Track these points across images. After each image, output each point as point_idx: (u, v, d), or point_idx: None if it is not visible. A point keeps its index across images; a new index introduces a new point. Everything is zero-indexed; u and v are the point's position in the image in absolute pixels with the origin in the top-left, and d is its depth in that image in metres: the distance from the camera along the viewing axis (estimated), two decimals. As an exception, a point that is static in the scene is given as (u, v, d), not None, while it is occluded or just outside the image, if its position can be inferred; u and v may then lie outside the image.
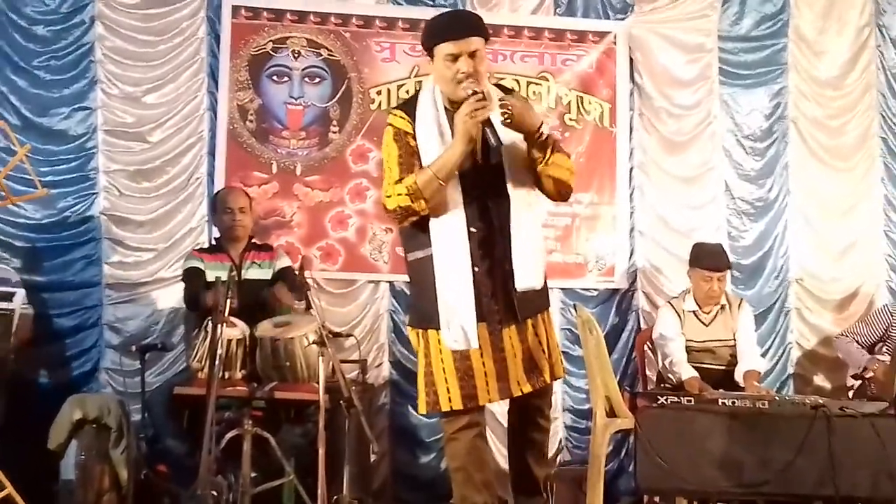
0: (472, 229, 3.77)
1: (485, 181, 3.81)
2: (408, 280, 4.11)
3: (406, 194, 3.65)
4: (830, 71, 6.98)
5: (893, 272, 6.91)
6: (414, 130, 3.79)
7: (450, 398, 3.78)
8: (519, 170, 3.84)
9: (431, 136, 3.77)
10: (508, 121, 3.64)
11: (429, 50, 3.79)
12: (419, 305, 3.91)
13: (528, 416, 4.02)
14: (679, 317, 5.85)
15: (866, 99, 6.98)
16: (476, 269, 3.77)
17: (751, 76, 6.90)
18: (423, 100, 3.86)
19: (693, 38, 6.83)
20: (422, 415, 4.02)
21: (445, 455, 4.05)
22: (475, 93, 3.63)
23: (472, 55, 3.69)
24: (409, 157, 3.74)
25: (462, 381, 3.77)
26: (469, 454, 3.85)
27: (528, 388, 3.86)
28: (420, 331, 3.88)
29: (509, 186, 3.80)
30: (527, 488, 4.09)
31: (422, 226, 3.79)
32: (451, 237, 3.75)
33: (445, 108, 3.81)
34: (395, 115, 3.84)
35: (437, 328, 3.79)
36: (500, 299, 3.82)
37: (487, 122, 3.64)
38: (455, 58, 3.68)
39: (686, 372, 5.57)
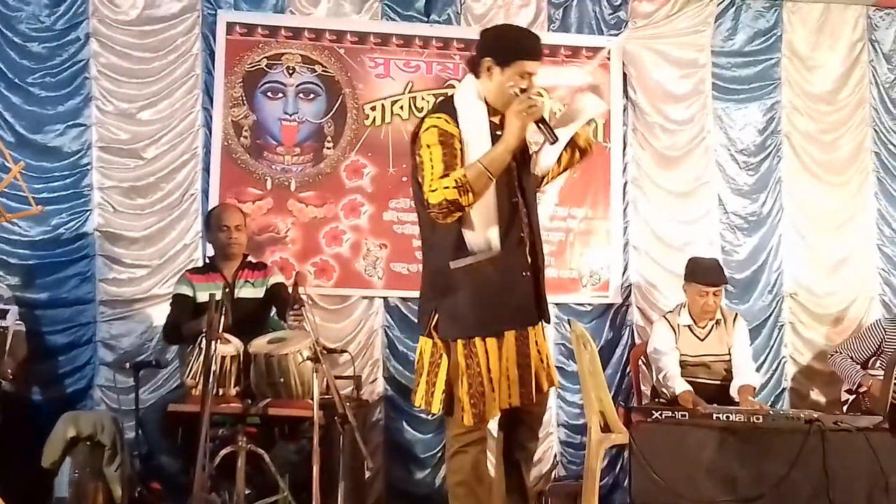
0: (522, 234, 3.80)
1: (521, 184, 3.84)
2: (435, 289, 3.88)
3: (454, 187, 3.57)
4: (823, 86, 7.00)
5: (886, 286, 6.92)
6: (459, 133, 3.74)
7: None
8: (532, 174, 3.93)
9: (481, 135, 3.75)
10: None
11: (500, 58, 3.77)
12: (463, 313, 3.77)
13: (529, 426, 4.02)
14: (674, 331, 5.85)
15: (859, 113, 7.00)
16: (526, 274, 3.80)
17: (744, 91, 6.92)
18: (465, 101, 3.83)
19: (687, 54, 6.85)
20: (434, 413, 3.93)
21: (449, 467, 4.02)
22: (523, 90, 3.68)
23: (531, 75, 3.78)
24: (453, 158, 3.68)
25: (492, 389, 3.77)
26: (474, 469, 3.85)
27: (540, 395, 3.89)
28: (464, 340, 3.76)
29: (532, 190, 3.90)
30: (521, 498, 4.08)
31: (462, 232, 3.75)
32: (504, 242, 3.73)
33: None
34: (439, 117, 3.76)
35: (485, 335, 3.75)
36: (534, 305, 3.85)
37: (541, 120, 3.67)
38: (529, 76, 3.75)
39: (680, 386, 5.56)
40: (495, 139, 3.70)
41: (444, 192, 3.57)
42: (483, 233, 3.72)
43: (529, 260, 3.81)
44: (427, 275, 3.93)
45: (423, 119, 3.81)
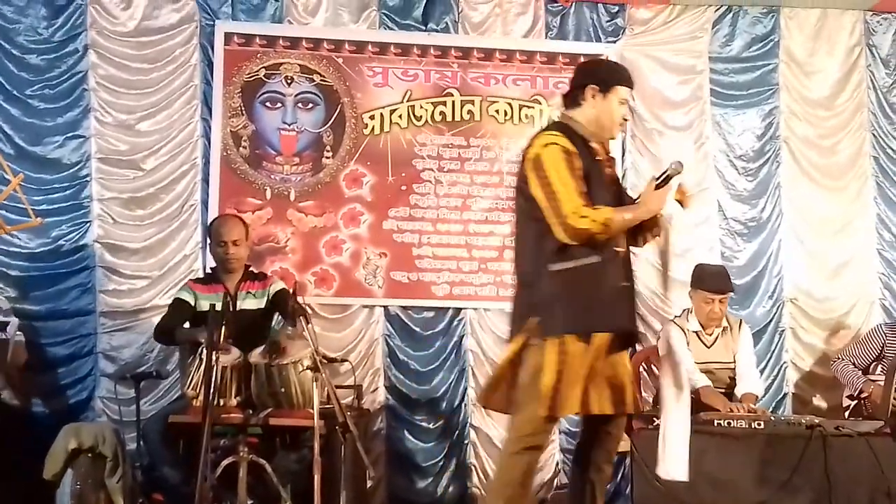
0: (617, 248, 3.96)
1: (620, 202, 4.07)
2: (531, 291, 4.00)
3: (601, 223, 3.81)
4: (821, 91, 7.01)
5: (887, 290, 6.92)
6: (577, 151, 3.94)
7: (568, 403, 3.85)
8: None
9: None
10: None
11: (603, 85, 4.04)
12: (557, 313, 3.88)
13: (607, 448, 4.11)
14: (684, 334, 5.83)
15: (857, 118, 7.01)
16: (623, 285, 3.98)
17: (742, 97, 6.93)
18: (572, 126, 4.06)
19: (684, 60, 6.86)
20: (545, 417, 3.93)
21: (500, 464, 4.13)
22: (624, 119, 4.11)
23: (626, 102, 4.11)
24: (577, 179, 3.89)
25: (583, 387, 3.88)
26: (524, 474, 3.91)
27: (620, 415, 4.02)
28: (556, 338, 3.85)
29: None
30: None
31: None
32: (603, 252, 3.90)
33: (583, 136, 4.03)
34: (556, 135, 3.96)
35: (576, 334, 3.85)
36: (628, 316, 4.05)
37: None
38: (625, 102, 4.07)
39: (701, 380, 5.57)
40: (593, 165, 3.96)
41: (590, 224, 3.79)
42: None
43: (625, 272, 3.99)
44: (522, 278, 4.04)
45: (538, 135, 4.03)
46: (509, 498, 3.89)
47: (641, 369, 6.23)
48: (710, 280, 5.81)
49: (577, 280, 3.86)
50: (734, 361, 5.82)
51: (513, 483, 3.89)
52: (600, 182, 3.97)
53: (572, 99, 4.09)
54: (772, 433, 5.01)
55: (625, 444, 5.07)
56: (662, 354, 5.90)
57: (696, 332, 5.85)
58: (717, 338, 5.85)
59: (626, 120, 4.16)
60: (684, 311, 5.99)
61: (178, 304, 5.43)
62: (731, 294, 5.94)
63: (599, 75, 4.10)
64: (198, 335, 5.03)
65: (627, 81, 4.09)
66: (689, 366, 5.68)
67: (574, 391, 3.82)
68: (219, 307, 4.55)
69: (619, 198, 4.09)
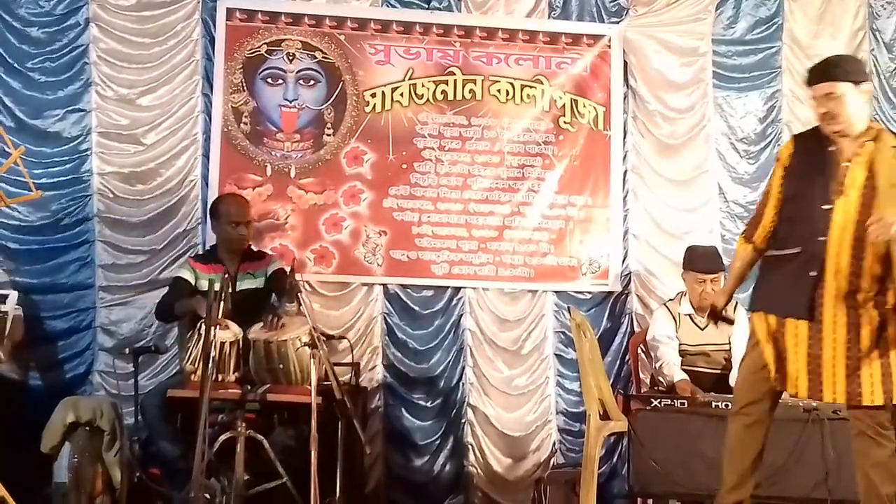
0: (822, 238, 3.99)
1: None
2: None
3: None
4: (824, 75, 6.98)
5: (886, 274, 6.91)
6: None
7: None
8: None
9: None
10: None
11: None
12: (761, 294, 4.22)
13: (865, 433, 4.06)
14: (674, 319, 5.84)
15: (860, 103, 6.98)
16: (812, 274, 4.00)
17: (745, 80, 6.91)
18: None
19: (687, 42, 6.83)
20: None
21: None
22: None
23: (828, 96, 4.03)
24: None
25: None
26: (730, 438, 4.17)
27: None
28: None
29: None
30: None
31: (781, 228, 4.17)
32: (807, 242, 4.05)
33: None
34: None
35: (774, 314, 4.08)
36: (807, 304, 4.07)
37: None
38: (818, 100, 4.06)
39: (677, 375, 5.56)
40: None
41: None
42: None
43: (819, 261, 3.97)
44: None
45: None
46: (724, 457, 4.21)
47: (639, 351, 6.24)
48: (699, 260, 5.82)
49: (776, 266, 4.18)
50: (728, 343, 5.82)
51: (726, 445, 4.21)
52: None
53: None
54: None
55: (621, 425, 5.08)
56: (648, 339, 5.95)
57: (688, 315, 5.85)
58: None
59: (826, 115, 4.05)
60: (678, 294, 5.99)
61: (178, 282, 5.45)
62: (724, 274, 5.94)
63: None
64: (197, 306, 5.04)
65: (813, 79, 4.11)
66: (671, 358, 5.69)
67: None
68: (218, 286, 4.56)
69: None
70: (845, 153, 4.01)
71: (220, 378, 4.58)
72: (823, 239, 3.93)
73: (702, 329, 5.84)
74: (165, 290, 5.60)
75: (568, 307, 6.22)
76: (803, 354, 3.96)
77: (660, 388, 5.78)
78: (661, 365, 5.72)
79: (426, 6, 6.64)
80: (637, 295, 6.65)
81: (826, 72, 4.07)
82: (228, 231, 5.46)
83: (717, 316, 4.57)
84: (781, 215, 4.16)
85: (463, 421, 6.47)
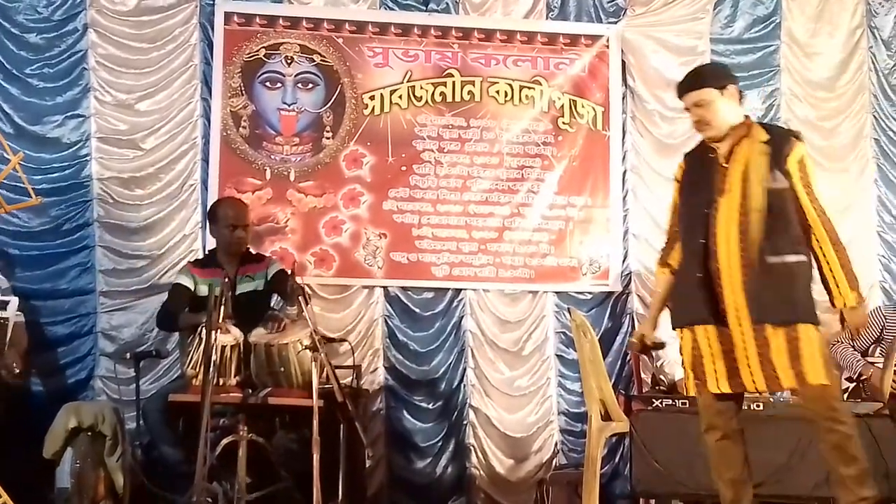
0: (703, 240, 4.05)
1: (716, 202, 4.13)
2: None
3: None
4: (823, 73, 7.00)
5: (887, 273, 6.92)
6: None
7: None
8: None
9: None
10: None
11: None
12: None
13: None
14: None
15: (859, 100, 7.00)
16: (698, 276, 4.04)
17: (743, 78, 6.86)
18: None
19: (685, 41, 6.84)
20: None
21: None
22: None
23: (697, 104, 4.17)
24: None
25: None
26: (713, 454, 4.13)
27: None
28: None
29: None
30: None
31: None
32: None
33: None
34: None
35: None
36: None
37: None
38: (688, 109, 4.22)
39: (678, 373, 5.56)
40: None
41: None
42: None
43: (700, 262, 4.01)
44: None
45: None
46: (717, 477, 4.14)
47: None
48: None
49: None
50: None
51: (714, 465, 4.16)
52: None
53: None
54: (771, 415, 5.02)
55: (623, 425, 5.09)
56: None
57: None
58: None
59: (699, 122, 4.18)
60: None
61: (178, 289, 5.43)
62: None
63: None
64: (200, 320, 5.03)
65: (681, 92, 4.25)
66: (671, 359, 5.69)
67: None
68: (217, 291, 4.55)
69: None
70: (723, 155, 4.09)
71: (221, 382, 4.57)
72: (703, 241, 3.97)
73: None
74: (166, 294, 5.59)
75: (568, 308, 6.23)
76: (718, 352, 3.99)
77: (661, 387, 5.78)
78: (662, 364, 5.72)
79: (424, 8, 6.65)
80: (637, 295, 6.65)
81: (691, 82, 4.23)
82: (227, 235, 5.45)
83: (645, 349, 4.45)
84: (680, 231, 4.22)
85: (464, 422, 6.47)
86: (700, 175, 4.13)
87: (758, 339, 3.92)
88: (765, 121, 6.82)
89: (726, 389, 4.01)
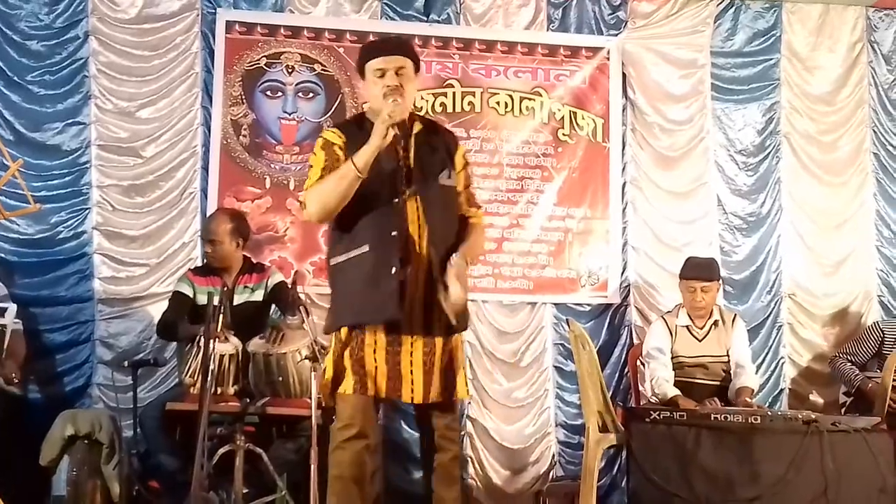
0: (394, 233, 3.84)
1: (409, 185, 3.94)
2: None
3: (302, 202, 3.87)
4: (823, 86, 7.01)
5: (885, 287, 6.93)
6: (344, 144, 3.88)
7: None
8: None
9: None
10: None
11: (360, 71, 3.97)
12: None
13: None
14: (670, 332, 5.83)
15: (858, 114, 7.02)
16: (394, 270, 3.83)
17: (743, 91, 6.93)
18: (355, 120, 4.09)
19: (686, 54, 6.86)
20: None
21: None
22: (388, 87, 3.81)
23: (397, 72, 3.86)
24: (335, 163, 3.84)
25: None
26: (352, 465, 3.97)
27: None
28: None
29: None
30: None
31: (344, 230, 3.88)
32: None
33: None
34: (329, 130, 4.03)
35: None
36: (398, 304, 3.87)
37: None
38: (383, 73, 3.86)
39: (670, 391, 5.55)
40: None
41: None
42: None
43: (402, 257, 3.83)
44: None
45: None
46: (344, 489, 4.00)
47: (638, 363, 6.24)
48: (690, 268, 5.84)
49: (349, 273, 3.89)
50: (727, 355, 5.81)
51: (343, 476, 3.99)
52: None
53: None
54: (768, 428, 5.01)
55: (620, 437, 5.09)
56: (642, 353, 5.95)
57: (685, 327, 5.85)
58: (708, 331, 5.84)
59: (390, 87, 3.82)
60: (676, 306, 5.99)
61: (178, 297, 5.43)
62: (719, 284, 5.95)
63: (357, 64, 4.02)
64: (199, 331, 5.03)
65: (377, 53, 3.92)
66: (662, 374, 5.69)
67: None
68: (216, 301, 4.55)
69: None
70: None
71: (219, 391, 4.57)
72: (395, 234, 3.82)
73: (700, 340, 5.83)
74: (165, 302, 5.59)
75: (567, 319, 6.22)
76: (381, 356, 3.88)
77: (658, 399, 5.78)
78: (653, 381, 5.72)
79: (425, 19, 6.65)
80: (636, 307, 6.65)
81: (388, 45, 4.02)
82: (204, 248, 5.48)
83: None
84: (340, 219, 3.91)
85: (462, 433, 6.45)
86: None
87: (426, 347, 3.94)
88: (764, 134, 6.87)
89: (384, 395, 3.94)
